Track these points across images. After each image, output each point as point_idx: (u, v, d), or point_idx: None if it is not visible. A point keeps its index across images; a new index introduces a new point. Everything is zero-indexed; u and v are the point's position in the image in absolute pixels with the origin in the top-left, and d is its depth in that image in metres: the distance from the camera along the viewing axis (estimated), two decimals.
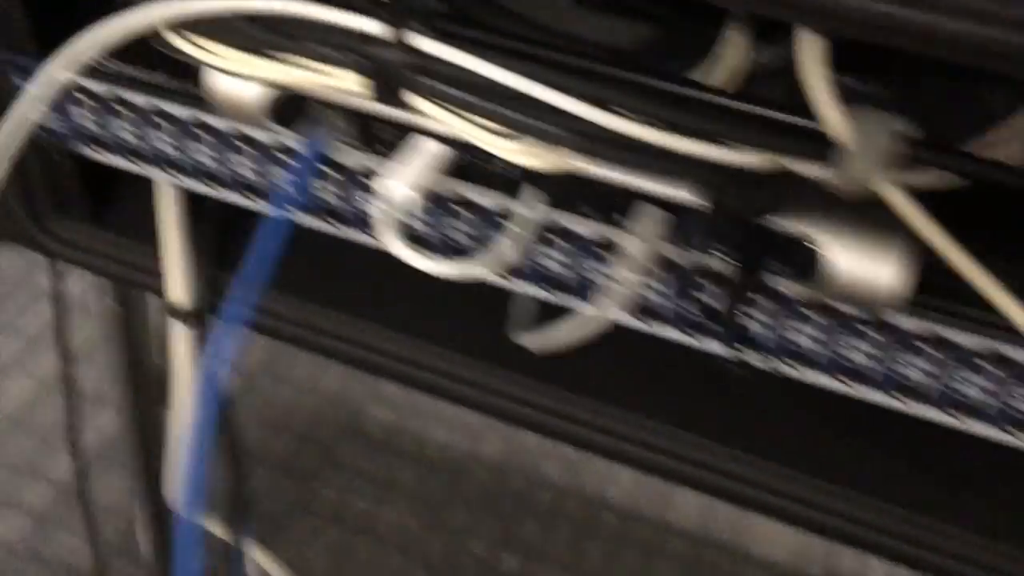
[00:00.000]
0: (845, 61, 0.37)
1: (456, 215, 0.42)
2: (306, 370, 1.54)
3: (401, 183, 0.37)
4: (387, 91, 0.36)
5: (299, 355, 1.56)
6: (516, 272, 0.44)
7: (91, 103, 0.47)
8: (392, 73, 0.36)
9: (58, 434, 1.42)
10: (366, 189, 0.44)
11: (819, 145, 0.33)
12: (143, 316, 0.82)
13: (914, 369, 0.39)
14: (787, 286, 0.37)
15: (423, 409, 1.50)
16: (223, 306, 0.52)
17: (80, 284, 0.83)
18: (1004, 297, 0.33)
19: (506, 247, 0.39)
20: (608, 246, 0.40)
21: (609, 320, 0.43)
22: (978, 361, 0.38)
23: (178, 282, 0.53)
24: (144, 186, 0.53)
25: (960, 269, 0.33)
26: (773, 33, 0.39)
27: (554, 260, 0.42)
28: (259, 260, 0.38)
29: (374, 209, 0.36)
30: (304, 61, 0.38)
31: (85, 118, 0.48)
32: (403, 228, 0.38)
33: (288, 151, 0.44)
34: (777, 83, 0.37)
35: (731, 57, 0.38)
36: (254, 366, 1.52)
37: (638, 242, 0.36)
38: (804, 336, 0.40)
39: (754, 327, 0.41)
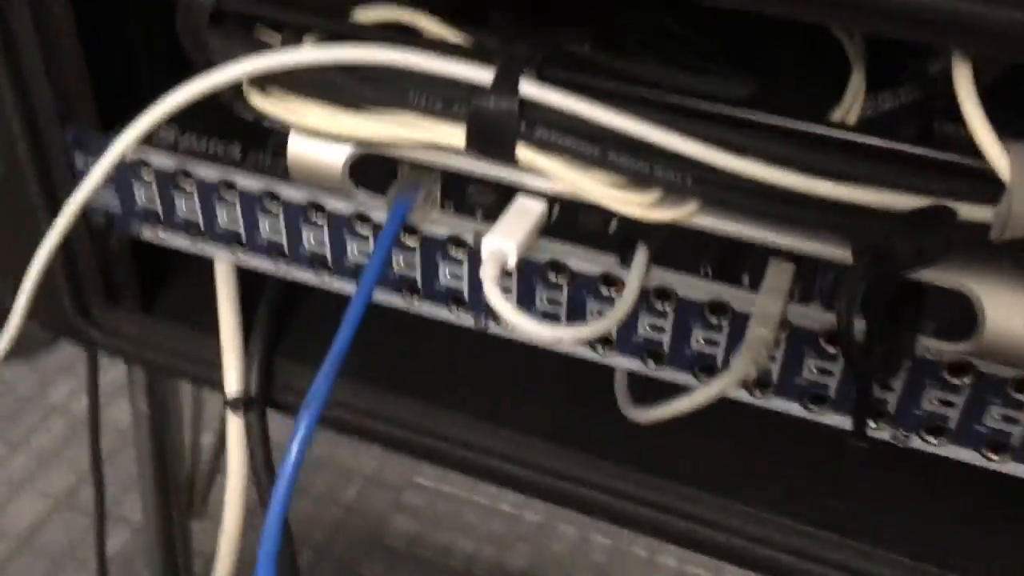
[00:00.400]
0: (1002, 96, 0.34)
1: (557, 283, 0.39)
2: (326, 482, 1.48)
3: (509, 240, 0.34)
4: (496, 144, 0.34)
5: (319, 466, 1.51)
6: (622, 344, 0.40)
7: (155, 180, 0.44)
8: (504, 124, 0.33)
9: (68, 555, 1.36)
10: (455, 261, 0.41)
11: (981, 184, 0.30)
12: (177, 420, 0.78)
13: None
14: (938, 347, 0.34)
15: (447, 519, 1.44)
16: (299, 399, 0.48)
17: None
18: None
19: (618, 315, 0.35)
20: (726, 310, 0.37)
21: (727, 396, 0.40)
22: None
23: (236, 372, 0.49)
24: (198, 270, 0.50)
25: None
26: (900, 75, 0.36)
27: (655, 327, 0.39)
28: (338, 346, 0.35)
29: (482, 271, 0.33)
30: (400, 115, 0.35)
31: (148, 196, 0.45)
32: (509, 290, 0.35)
33: (367, 221, 0.41)
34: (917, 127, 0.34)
35: (856, 97, 0.36)
36: None
37: (770, 303, 0.33)
38: (949, 406, 0.36)
39: (891, 397, 0.37)
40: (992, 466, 0.37)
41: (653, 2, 0.42)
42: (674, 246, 0.36)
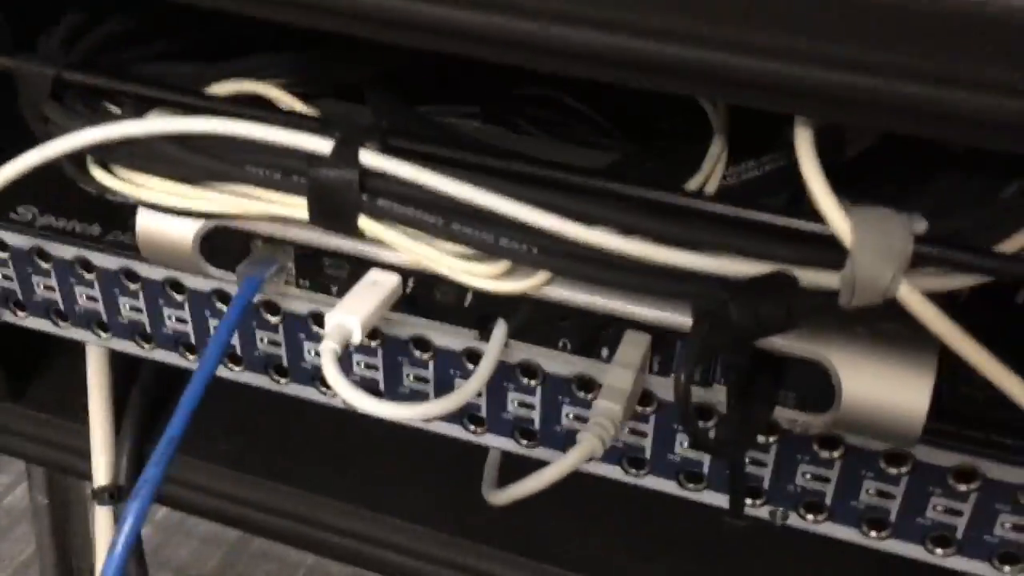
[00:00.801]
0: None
1: (422, 359, 0.38)
2: (268, 574, 1.43)
3: (352, 316, 0.32)
4: (338, 216, 0.32)
5: (262, 558, 1.46)
6: (494, 423, 0.38)
7: (11, 260, 0.42)
8: (344, 195, 0.32)
9: None
10: (313, 337, 0.39)
11: (826, 250, 0.29)
12: (79, 510, 0.74)
13: (950, 514, 0.34)
14: (798, 419, 0.32)
15: None
16: (174, 487, 0.46)
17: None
18: None
19: (469, 390, 0.33)
20: (587, 384, 0.36)
21: (589, 471, 0.38)
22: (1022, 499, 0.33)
23: (105, 462, 0.47)
24: (71, 356, 0.48)
25: (997, 379, 0.28)
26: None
27: (523, 404, 0.37)
28: (178, 425, 0.33)
29: (322, 347, 0.31)
30: (244, 188, 0.34)
31: (5, 277, 0.43)
32: (350, 367, 0.33)
33: (225, 298, 0.39)
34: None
35: (715, 165, 0.35)
36: None
37: (619, 376, 0.31)
38: (824, 482, 0.35)
39: (765, 473, 0.36)
40: (873, 544, 0.36)
41: (548, 79, 0.42)
42: (540, 321, 0.34)
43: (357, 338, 0.32)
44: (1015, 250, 0.29)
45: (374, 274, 0.35)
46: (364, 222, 0.32)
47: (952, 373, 0.35)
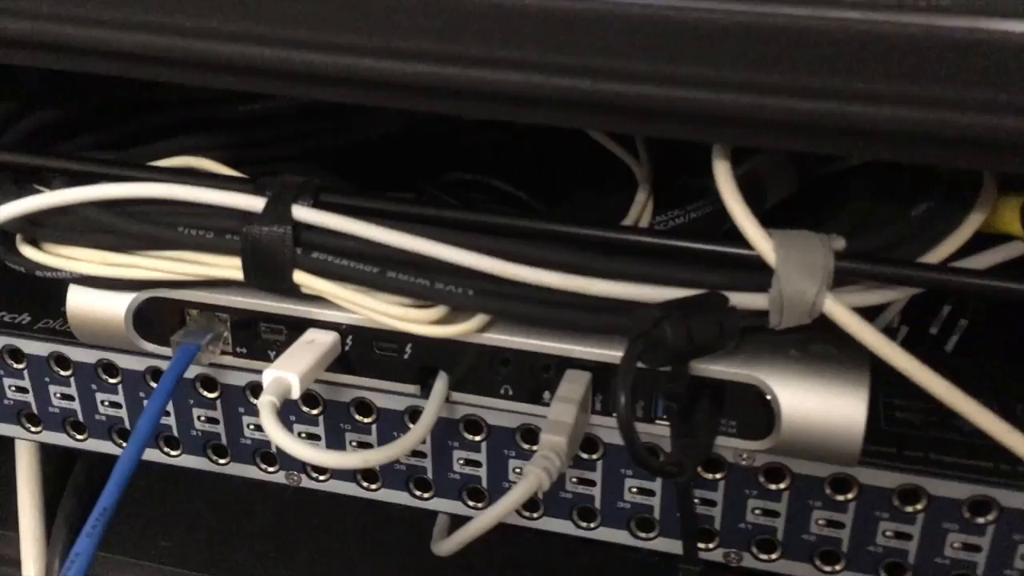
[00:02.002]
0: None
1: (356, 422, 0.37)
2: None
3: (289, 372, 0.32)
4: (272, 272, 0.32)
5: None
6: (423, 484, 0.38)
7: None
8: (278, 250, 0.32)
9: None
10: (252, 411, 0.38)
11: (752, 273, 0.30)
12: None
13: (900, 539, 0.34)
14: (740, 447, 0.33)
15: None
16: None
17: None
18: (993, 420, 0.29)
19: (414, 436, 0.33)
20: (533, 435, 0.36)
21: (539, 527, 0.37)
22: (968, 515, 0.33)
23: (36, 567, 0.45)
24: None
25: (928, 384, 0.29)
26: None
27: (469, 462, 0.37)
28: (111, 494, 0.32)
29: (260, 401, 0.31)
30: (177, 253, 0.34)
31: None
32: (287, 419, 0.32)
33: (160, 377, 0.38)
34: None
35: (642, 212, 0.36)
36: None
37: (561, 411, 0.31)
38: (769, 515, 0.35)
39: (716, 513, 0.35)
40: None
41: (476, 163, 0.43)
42: (480, 368, 0.34)
43: (296, 393, 0.32)
44: (938, 261, 0.30)
45: (311, 333, 0.35)
46: (299, 276, 0.33)
47: (888, 399, 0.36)
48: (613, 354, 0.32)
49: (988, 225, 0.32)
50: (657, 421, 0.33)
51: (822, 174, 0.40)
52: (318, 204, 0.33)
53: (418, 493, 0.39)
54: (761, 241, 0.30)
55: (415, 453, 0.37)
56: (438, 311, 0.32)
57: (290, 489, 0.41)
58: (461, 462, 0.37)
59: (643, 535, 0.37)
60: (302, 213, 0.32)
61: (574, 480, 0.36)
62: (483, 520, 0.30)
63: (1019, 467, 0.32)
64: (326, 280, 0.32)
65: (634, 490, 0.36)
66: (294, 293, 0.34)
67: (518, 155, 0.45)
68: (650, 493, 0.36)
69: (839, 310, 0.29)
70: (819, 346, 0.32)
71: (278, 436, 0.30)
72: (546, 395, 0.34)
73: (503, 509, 0.29)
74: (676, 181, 0.39)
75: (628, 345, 0.28)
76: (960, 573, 0.34)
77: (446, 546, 0.31)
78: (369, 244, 0.32)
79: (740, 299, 0.30)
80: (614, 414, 0.33)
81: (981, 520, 0.33)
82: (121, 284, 0.35)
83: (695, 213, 0.38)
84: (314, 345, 0.34)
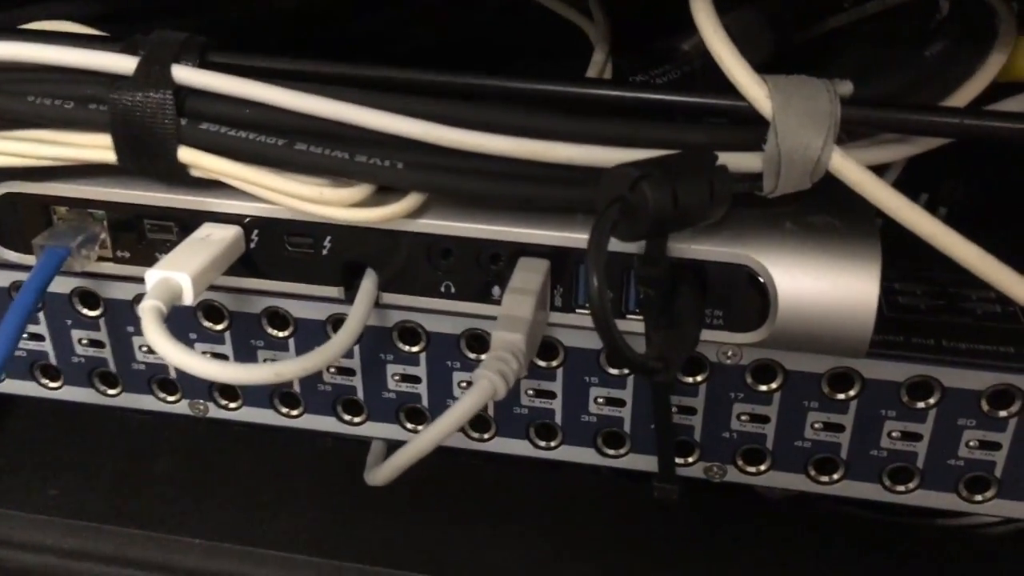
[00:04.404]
0: None
1: (269, 337, 0.31)
2: None
3: (179, 271, 0.26)
4: (151, 150, 0.26)
5: None
6: (353, 407, 0.32)
7: None
8: (157, 121, 0.26)
9: None
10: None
11: (743, 128, 0.25)
12: None
13: (907, 440, 0.29)
14: (730, 340, 0.28)
15: None
16: None
17: None
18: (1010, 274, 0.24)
19: (336, 344, 0.27)
20: (480, 342, 0.30)
21: (492, 450, 0.32)
22: (988, 408, 0.28)
23: None
24: None
25: (953, 249, 0.24)
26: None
27: (406, 378, 0.31)
28: None
29: (142, 306, 0.25)
30: (29, 133, 0.27)
31: None
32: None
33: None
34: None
35: (600, 73, 0.30)
36: None
37: (516, 304, 0.26)
38: (759, 421, 0.30)
39: (691, 421, 0.31)
40: (823, 490, 0.31)
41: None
42: (415, 262, 0.29)
43: (188, 297, 0.26)
44: (964, 104, 0.25)
45: (206, 228, 0.28)
46: (185, 153, 0.26)
47: (889, 284, 0.32)
48: (575, 236, 0.27)
49: (1006, 71, 0.28)
50: (628, 317, 0.28)
51: (807, 38, 0.35)
52: (205, 64, 0.27)
53: (347, 417, 0.33)
54: (753, 86, 0.24)
55: (341, 371, 0.32)
56: (361, 190, 0.26)
57: (198, 422, 0.36)
58: (396, 378, 0.32)
59: (611, 452, 0.32)
60: (185, 74, 0.26)
61: (530, 393, 0.31)
62: (423, 440, 0.24)
63: None
64: (220, 158, 0.26)
65: (600, 400, 0.31)
66: (181, 177, 0.27)
67: (450, 30, 0.39)
68: (619, 403, 0.31)
69: (850, 167, 0.24)
70: (818, 217, 0.27)
71: (166, 348, 0.24)
72: (495, 291, 0.28)
73: (448, 425, 0.24)
74: (637, 44, 0.34)
75: (600, 213, 0.22)
76: (976, 475, 0.30)
77: (381, 474, 0.26)
78: (272, 110, 0.26)
79: (728, 160, 0.25)
80: (577, 308, 0.28)
81: (1003, 413, 0.28)
82: None
83: (661, 79, 0.33)
84: (210, 241, 0.28)
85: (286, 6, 0.38)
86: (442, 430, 0.24)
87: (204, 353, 0.32)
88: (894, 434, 0.29)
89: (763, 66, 0.32)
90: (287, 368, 0.26)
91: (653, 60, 0.33)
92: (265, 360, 0.32)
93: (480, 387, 0.24)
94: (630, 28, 0.35)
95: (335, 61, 0.26)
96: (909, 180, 0.31)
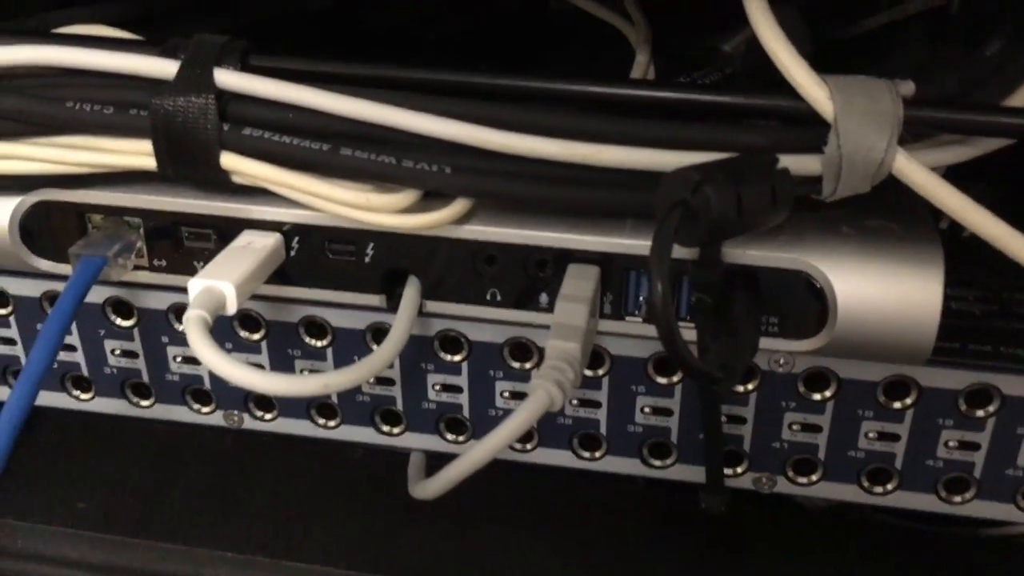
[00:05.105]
0: None
1: (307, 347, 0.31)
2: None
3: (222, 280, 0.25)
4: (193, 156, 0.25)
5: None
6: (392, 418, 0.32)
7: None
8: (199, 127, 0.25)
9: None
10: (178, 340, 0.32)
11: (802, 129, 0.24)
12: None
13: (966, 450, 0.29)
14: (786, 348, 0.27)
15: None
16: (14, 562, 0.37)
17: None
18: None
19: (381, 357, 0.27)
20: (524, 351, 0.29)
21: (533, 461, 0.32)
22: None
23: None
24: None
25: (1016, 251, 0.23)
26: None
27: (447, 387, 0.31)
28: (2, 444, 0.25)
29: (186, 317, 0.24)
30: (69, 139, 0.26)
31: None
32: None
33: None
34: None
35: (644, 75, 0.30)
36: None
37: (576, 311, 0.25)
38: (811, 431, 0.29)
39: (739, 430, 0.30)
40: (876, 501, 0.30)
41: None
42: (461, 270, 0.28)
43: (231, 307, 0.25)
44: None
45: (247, 236, 0.28)
46: (228, 159, 0.26)
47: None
48: (626, 243, 0.26)
49: None
50: (680, 324, 0.27)
51: (847, 35, 0.34)
52: (247, 67, 0.26)
53: (386, 428, 0.32)
54: (813, 87, 0.24)
55: (380, 380, 0.31)
56: (407, 196, 0.26)
57: (230, 433, 0.35)
58: (437, 388, 0.31)
59: (658, 463, 0.31)
60: (227, 78, 0.25)
61: (574, 402, 0.30)
62: (478, 452, 0.23)
63: None
64: (263, 163, 0.25)
65: (647, 410, 0.30)
66: (223, 184, 0.27)
67: (486, 39, 0.38)
68: (667, 413, 0.30)
69: (914, 169, 0.23)
70: (876, 221, 0.26)
71: (214, 359, 0.23)
72: (543, 299, 0.28)
73: (504, 436, 0.23)
74: (677, 47, 0.33)
75: (661, 217, 0.21)
76: None
77: (431, 487, 0.25)
78: (316, 115, 0.25)
79: (785, 163, 0.24)
80: (627, 315, 0.27)
81: None
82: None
83: (703, 81, 0.32)
84: (251, 250, 0.27)
85: (313, 6, 0.37)
86: (498, 442, 0.23)
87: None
88: (951, 443, 0.29)
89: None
90: (335, 380, 0.25)
91: (694, 62, 0.32)
92: (302, 370, 0.31)
93: (537, 397, 0.23)
94: (669, 30, 0.34)
95: (378, 63, 0.26)
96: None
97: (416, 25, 0.37)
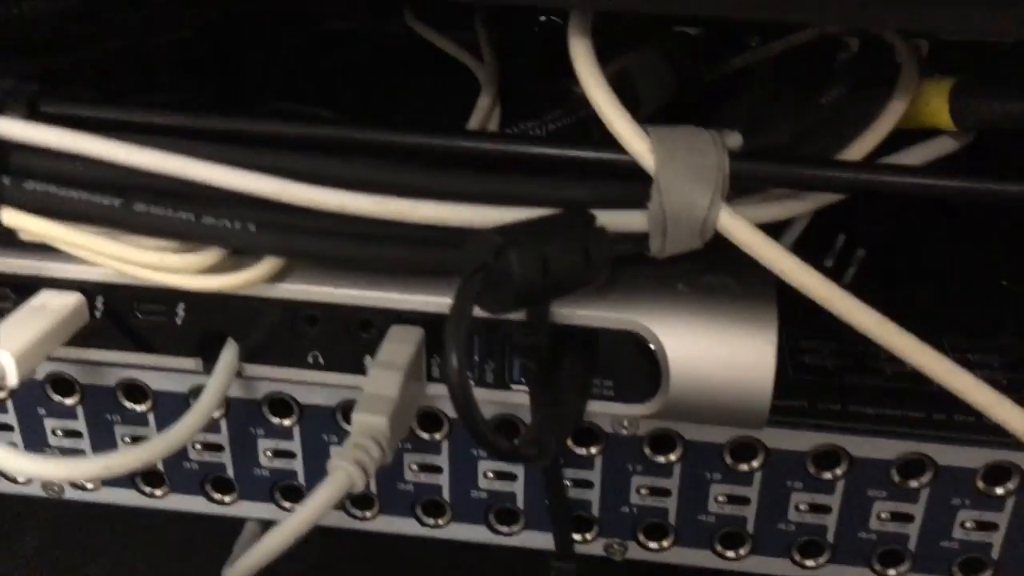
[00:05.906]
0: None
1: (126, 412, 0.28)
2: None
3: (2, 349, 0.23)
4: None
5: None
6: (224, 485, 0.30)
7: None
8: None
9: None
10: None
11: (625, 183, 0.23)
12: None
13: (816, 513, 0.27)
14: (620, 412, 0.25)
15: None
16: None
17: None
18: (934, 357, 0.22)
19: (186, 427, 0.25)
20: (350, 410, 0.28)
21: (378, 531, 0.30)
22: (898, 479, 0.27)
23: None
24: None
25: (850, 316, 0.22)
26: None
27: (280, 453, 0.29)
28: None
29: None
30: None
31: None
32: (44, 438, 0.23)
33: None
34: None
35: (485, 121, 0.28)
36: None
37: (387, 379, 0.23)
38: (659, 495, 0.28)
39: (588, 495, 0.28)
40: (730, 566, 0.29)
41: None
42: (280, 332, 0.26)
43: (11, 378, 0.23)
44: (859, 158, 0.23)
45: (43, 296, 0.25)
46: (10, 216, 0.23)
47: (793, 342, 0.30)
48: (451, 302, 0.25)
49: (909, 118, 0.26)
50: (514, 387, 0.26)
51: (712, 78, 0.33)
52: (36, 115, 0.24)
53: (217, 496, 0.30)
54: (634, 139, 0.22)
55: (208, 446, 0.29)
56: (210, 255, 0.24)
57: (56, 503, 0.32)
58: (269, 453, 0.29)
59: (505, 529, 0.29)
60: (8, 127, 0.23)
61: (414, 468, 0.29)
62: (273, 540, 0.21)
63: (956, 415, 0.26)
64: (48, 221, 0.23)
65: (490, 475, 0.28)
66: (11, 242, 0.24)
67: (323, 71, 0.36)
68: (510, 477, 0.28)
69: (739, 226, 0.22)
70: (715, 278, 0.25)
71: None
72: (368, 360, 0.26)
73: (300, 523, 0.21)
74: (528, 87, 0.32)
75: (461, 284, 0.20)
76: (889, 549, 0.28)
77: (234, 572, 0.23)
78: (107, 167, 0.23)
79: (611, 219, 0.23)
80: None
81: (914, 484, 0.26)
82: None
83: (554, 124, 0.31)
84: (44, 312, 0.25)
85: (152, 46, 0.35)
86: (293, 529, 0.21)
87: (56, 431, 0.29)
88: (801, 506, 0.27)
89: (667, 108, 0.30)
90: (117, 461, 0.23)
91: (545, 104, 0.31)
92: (123, 436, 0.29)
93: (335, 479, 0.21)
94: (525, 69, 0.33)
95: (178, 111, 0.24)
96: (827, 221, 0.29)
97: (262, 69, 0.35)
